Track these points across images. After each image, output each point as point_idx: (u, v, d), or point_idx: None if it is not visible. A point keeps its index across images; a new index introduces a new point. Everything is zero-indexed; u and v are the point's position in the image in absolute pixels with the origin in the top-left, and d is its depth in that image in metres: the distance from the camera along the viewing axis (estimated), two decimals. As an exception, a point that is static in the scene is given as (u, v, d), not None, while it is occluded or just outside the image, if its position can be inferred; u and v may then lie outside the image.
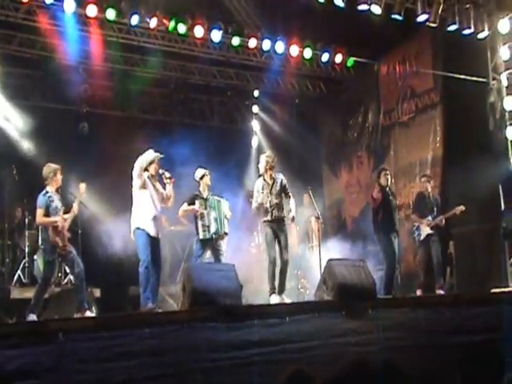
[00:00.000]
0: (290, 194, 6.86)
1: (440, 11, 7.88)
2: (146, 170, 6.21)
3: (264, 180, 6.75)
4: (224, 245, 7.07)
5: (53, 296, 6.76)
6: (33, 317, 5.74)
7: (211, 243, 6.93)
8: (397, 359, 2.50)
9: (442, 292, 7.37)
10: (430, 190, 7.84)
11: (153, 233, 6.10)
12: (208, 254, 7.01)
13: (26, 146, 9.04)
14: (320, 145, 11.49)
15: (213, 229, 6.90)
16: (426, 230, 7.67)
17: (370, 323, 4.87)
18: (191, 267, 5.51)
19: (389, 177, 7.55)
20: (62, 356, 4.08)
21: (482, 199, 7.85)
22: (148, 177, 6.22)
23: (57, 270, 6.68)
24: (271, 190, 6.68)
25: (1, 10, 7.88)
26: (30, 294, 6.39)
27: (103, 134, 9.46)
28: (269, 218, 6.65)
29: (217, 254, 6.91)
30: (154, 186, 6.27)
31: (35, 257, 7.86)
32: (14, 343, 4.00)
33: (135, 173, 6.14)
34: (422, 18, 7.85)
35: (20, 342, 4.03)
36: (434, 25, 7.99)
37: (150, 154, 6.25)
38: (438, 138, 8.97)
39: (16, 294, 7.40)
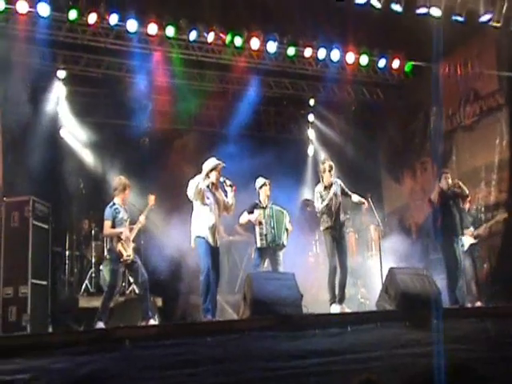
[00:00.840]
0: (350, 192, 6.86)
1: (504, 10, 7.61)
2: (207, 176, 6.24)
3: (324, 186, 6.74)
4: (282, 255, 7.06)
5: (117, 305, 6.95)
6: (100, 324, 5.95)
7: (269, 252, 6.95)
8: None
9: (479, 303, 7.19)
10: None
11: (211, 241, 6.16)
12: (266, 263, 7.03)
13: (91, 160, 9.47)
14: (378, 152, 11.28)
15: (270, 238, 6.90)
16: (468, 241, 7.66)
17: (435, 334, 4.71)
18: (251, 276, 5.54)
19: (450, 180, 7.36)
20: (127, 363, 4.20)
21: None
22: (208, 185, 6.25)
23: (121, 279, 6.91)
24: (332, 195, 6.66)
25: (70, 33, 8.29)
26: (97, 302, 6.64)
27: (163, 147, 9.76)
28: (330, 224, 6.63)
29: (274, 263, 6.92)
30: (215, 195, 6.30)
31: (101, 267, 8.17)
32: (84, 350, 4.16)
33: (191, 183, 6.18)
34: (485, 17, 7.63)
35: (89, 349, 4.19)
36: (497, 24, 7.71)
37: (211, 161, 6.29)
38: (505, 142, 8.62)
39: (84, 302, 7.69)
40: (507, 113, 8.64)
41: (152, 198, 6.62)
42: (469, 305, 7.14)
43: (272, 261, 6.96)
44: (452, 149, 9.66)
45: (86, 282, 8.20)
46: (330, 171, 6.72)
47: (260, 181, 7.23)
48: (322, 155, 10.92)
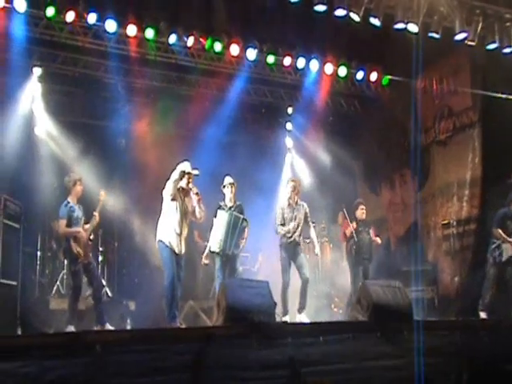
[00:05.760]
0: (311, 222, 7.14)
1: (479, 29, 7.78)
2: (179, 179, 6.16)
3: (289, 204, 6.92)
4: (239, 263, 7.05)
5: (89, 308, 6.87)
6: (71, 328, 5.87)
7: (225, 259, 6.86)
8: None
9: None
10: None
11: (176, 248, 6.09)
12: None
13: (66, 160, 9.30)
14: (355, 162, 11.40)
15: (222, 245, 6.76)
16: (510, 252, 7.13)
17: (406, 346, 4.77)
18: (226, 284, 5.54)
19: (364, 211, 8.03)
20: (97, 368, 4.13)
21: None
22: (178, 189, 6.18)
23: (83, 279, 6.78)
24: (295, 214, 6.82)
25: (46, 30, 8.16)
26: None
27: (140, 149, 9.67)
28: (287, 241, 6.88)
29: (231, 271, 6.87)
30: (183, 201, 6.23)
31: (73, 268, 8.02)
32: (53, 354, 4.07)
33: (168, 183, 6.15)
34: (460, 36, 7.73)
35: (58, 353, 4.10)
36: (472, 43, 7.88)
37: (185, 166, 6.22)
38: (477, 158, 8.80)
39: (55, 304, 7.56)
40: (480, 130, 8.85)
41: (103, 194, 6.58)
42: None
43: (229, 268, 6.89)
44: (429, 163, 9.81)
45: (58, 283, 8.06)
46: (296, 190, 6.91)
47: (225, 180, 7.14)
48: (299, 164, 11.02)
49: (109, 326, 6.18)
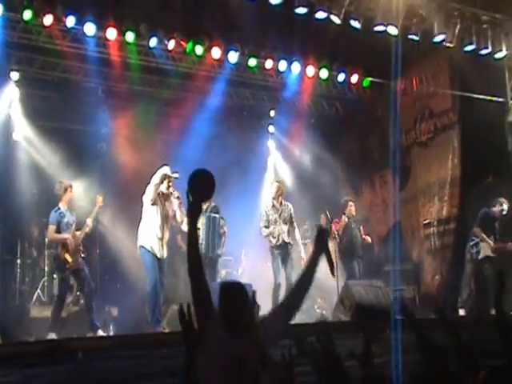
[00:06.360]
0: (296, 224, 7.16)
1: (457, 31, 7.90)
2: (159, 184, 6.17)
3: (273, 205, 6.94)
4: (220, 266, 7.06)
5: (70, 315, 6.79)
6: (52, 335, 5.80)
7: (207, 261, 6.86)
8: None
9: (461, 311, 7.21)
10: (505, 211, 7.29)
11: (157, 253, 6.09)
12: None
13: (46, 165, 9.18)
14: (337, 164, 11.46)
15: (204, 248, 6.79)
16: (487, 251, 7.18)
17: (388, 345, 4.80)
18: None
19: (353, 207, 8.06)
20: (80, 375, 4.09)
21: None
22: (158, 194, 6.19)
23: (72, 287, 6.73)
24: (280, 215, 6.87)
25: (24, 34, 8.04)
26: (49, 312, 6.46)
27: (121, 153, 9.60)
28: (276, 243, 6.89)
29: (212, 273, 6.86)
30: (164, 206, 6.23)
31: (55, 275, 7.92)
32: (34, 362, 4.03)
33: (149, 188, 6.14)
34: (438, 38, 7.88)
35: (40, 361, 4.06)
36: (450, 45, 8.00)
37: (164, 170, 6.22)
38: (456, 159, 8.91)
39: (35, 312, 7.44)
40: (459, 130, 8.95)
41: (100, 199, 6.51)
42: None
43: (211, 270, 6.87)
44: (411, 164, 9.90)
45: (39, 291, 7.93)
46: (280, 191, 6.95)
47: None
48: (282, 166, 11.04)
49: (101, 332, 6.13)
